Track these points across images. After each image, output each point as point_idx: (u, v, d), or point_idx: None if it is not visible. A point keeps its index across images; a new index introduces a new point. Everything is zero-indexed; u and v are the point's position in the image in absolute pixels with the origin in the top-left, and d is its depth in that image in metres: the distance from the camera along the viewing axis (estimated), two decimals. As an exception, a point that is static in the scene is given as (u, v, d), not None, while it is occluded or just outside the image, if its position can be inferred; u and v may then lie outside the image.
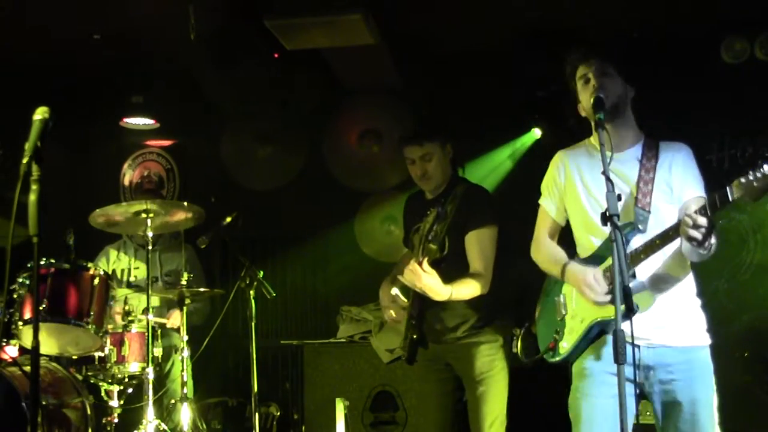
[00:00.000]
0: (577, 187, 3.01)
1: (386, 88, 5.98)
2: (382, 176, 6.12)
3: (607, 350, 2.88)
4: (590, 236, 2.98)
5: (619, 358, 2.46)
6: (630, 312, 2.48)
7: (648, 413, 3.92)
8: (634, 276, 2.79)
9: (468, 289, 3.49)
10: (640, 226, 2.82)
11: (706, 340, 2.91)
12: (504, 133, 5.88)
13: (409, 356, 3.63)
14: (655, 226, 2.81)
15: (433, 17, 5.13)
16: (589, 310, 2.88)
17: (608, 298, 2.80)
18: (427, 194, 3.78)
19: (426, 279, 3.41)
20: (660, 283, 2.85)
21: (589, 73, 2.91)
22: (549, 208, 3.14)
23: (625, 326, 2.48)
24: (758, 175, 2.49)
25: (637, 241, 2.81)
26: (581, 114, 3.03)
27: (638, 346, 2.78)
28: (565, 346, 2.97)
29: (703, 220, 2.58)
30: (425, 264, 3.42)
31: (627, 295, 2.44)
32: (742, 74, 5.21)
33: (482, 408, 3.51)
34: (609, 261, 2.83)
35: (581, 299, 2.92)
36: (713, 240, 2.67)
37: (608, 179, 2.60)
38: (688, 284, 2.92)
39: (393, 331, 5.18)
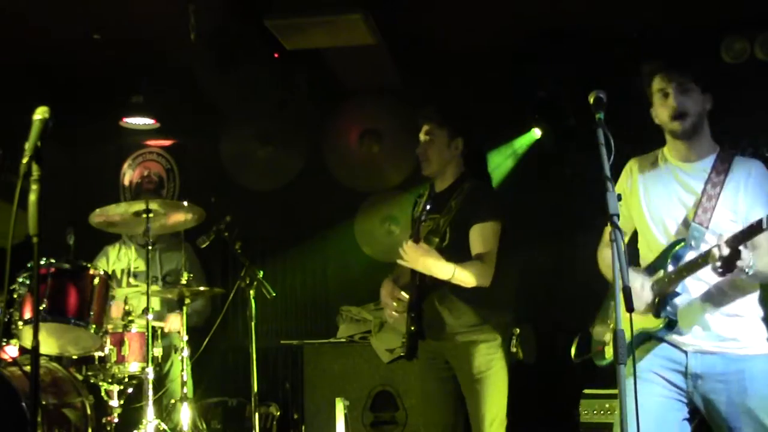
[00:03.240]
0: (641, 199, 2.99)
1: (386, 88, 5.98)
2: (382, 176, 6.13)
3: (655, 352, 2.86)
4: (649, 247, 2.96)
5: (618, 358, 2.46)
6: (631, 312, 2.47)
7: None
8: (677, 293, 2.79)
9: (470, 271, 3.48)
10: (692, 243, 2.79)
11: (764, 348, 2.83)
12: (504, 133, 5.88)
13: (409, 350, 3.64)
14: (713, 243, 2.73)
15: (433, 17, 5.13)
16: (636, 318, 2.81)
17: (643, 307, 2.79)
18: (435, 188, 3.79)
19: (423, 251, 3.45)
20: (714, 296, 2.80)
21: (668, 89, 2.87)
22: None
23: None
24: None
25: (691, 256, 2.78)
26: (654, 121, 2.98)
27: (685, 352, 2.79)
28: (611, 351, 2.96)
29: (726, 251, 2.57)
30: (421, 243, 3.47)
31: (627, 296, 2.44)
32: (742, 74, 5.21)
33: (482, 407, 3.51)
34: (660, 273, 2.84)
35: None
36: (743, 264, 2.59)
37: (608, 179, 2.59)
38: (747, 296, 2.85)
39: (393, 331, 5.19)
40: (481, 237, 3.56)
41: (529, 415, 4.00)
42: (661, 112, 2.91)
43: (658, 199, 2.94)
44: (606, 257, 3.10)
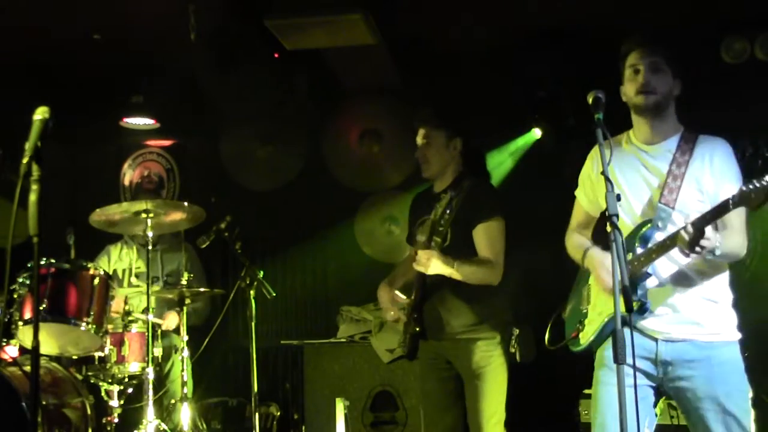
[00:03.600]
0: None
1: (386, 88, 5.98)
2: (382, 176, 6.13)
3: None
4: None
5: (618, 358, 2.46)
6: (630, 312, 2.48)
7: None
8: (648, 274, 2.79)
9: (473, 268, 3.50)
10: (659, 224, 2.81)
11: (733, 335, 2.87)
12: (504, 133, 5.88)
13: (410, 351, 3.64)
14: (680, 223, 2.77)
15: (433, 17, 5.13)
16: (608, 303, 2.87)
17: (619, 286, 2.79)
18: (434, 188, 3.79)
19: (432, 255, 3.46)
20: (683, 278, 2.83)
21: (640, 65, 2.90)
22: (581, 199, 3.17)
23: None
24: (757, 185, 2.50)
25: (659, 237, 2.80)
26: (622, 98, 3.01)
27: (655, 340, 2.81)
28: (587, 337, 2.98)
29: (691, 231, 2.59)
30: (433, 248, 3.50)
31: (627, 295, 2.45)
32: (742, 74, 5.21)
33: (480, 403, 3.52)
34: (630, 256, 2.83)
35: (601, 292, 2.93)
36: (709, 244, 2.62)
37: (607, 179, 2.60)
38: (717, 280, 2.87)
39: (393, 331, 5.18)
40: (486, 237, 3.57)
41: (528, 415, 4.00)
42: (629, 88, 2.93)
43: (624, 180, 2.95)
44: (574, 242, 3.14)
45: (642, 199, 2.90)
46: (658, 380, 2.86)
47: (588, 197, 3.14)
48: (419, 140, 3.76)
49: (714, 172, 2.86)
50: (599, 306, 2.95)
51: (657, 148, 2.92)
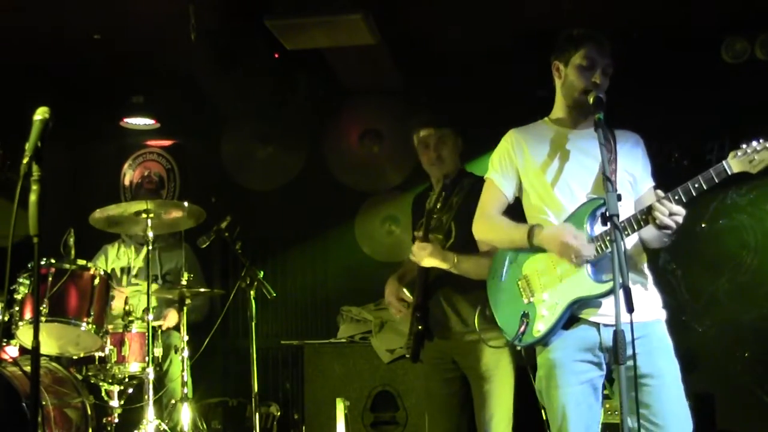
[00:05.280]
0: (537, 163, 3.01)
1: (386, 88, 5.98)
2: (383, 176, 6.13)
3: (572, 338, 2.88)
4: (548, 210, 2.97)
5: (619, 358, 2.46)
6: (631, 312, 2.47)
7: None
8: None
9: (472, 263, 3.48)
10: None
11: (662, 315, 2.93)
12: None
13: (414, 351, 3.63)
14: (622, 206, 2.80)
15: (433, 17, 5.13)
16: (564, 290, 2.86)
17: (593, 249, 2.77)
18: (434, 186, 3.79)
19: (425, 248, 3.47)
20: (629, 260, 2.82)
21: (597, 64, 2.91)
22: (500, 182, 3.11)
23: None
24: (756, 147, 2.60)
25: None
26: (555, 74, 3.02)
27: (597, 326, 2.83)
28: (541, 329, 2.90)
29: (678, 209, 2.65)
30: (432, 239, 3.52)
31: (627, 295, 2.44)
32: (742, 74, 5.21)
33: (488, 406, 3.51)
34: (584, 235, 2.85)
35: (553, 280, 2.90)
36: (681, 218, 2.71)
37: (608, 179, 2.60)
38: (643, 263, 2.95)
39: (393, 331, 5.19)
40: None
41: (529, 415, 4.00)
42: (578, 81, 2.93)
43: (559, 165, 2.96)
44: (501, 222, 3.08)
45: (582, 182, 2.91)
46: (607, 366, 2.86)
47: (508, 180, 3.10)
48: (430, 141, 3.73)
49: (639, 164, 2.97)
50: (554, 294, 2.89)
51: (583, 134, 2.95)
